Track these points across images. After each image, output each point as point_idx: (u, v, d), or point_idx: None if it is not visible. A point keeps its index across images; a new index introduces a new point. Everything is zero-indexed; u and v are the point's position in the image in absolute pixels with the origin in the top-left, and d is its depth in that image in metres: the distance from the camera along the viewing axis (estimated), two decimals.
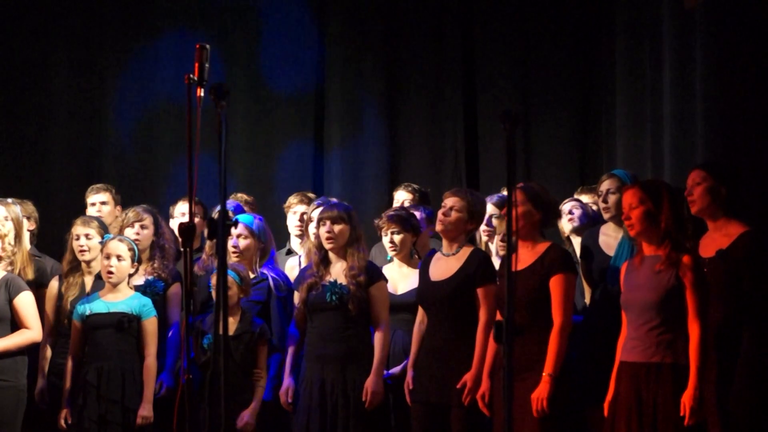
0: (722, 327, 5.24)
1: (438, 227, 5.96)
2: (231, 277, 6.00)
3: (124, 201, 7.34)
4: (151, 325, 6.18)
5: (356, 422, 5.90)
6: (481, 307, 5.75)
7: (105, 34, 9.05)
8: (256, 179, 8.82)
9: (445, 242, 5.95)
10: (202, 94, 4.40)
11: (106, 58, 9.05)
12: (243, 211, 6.97)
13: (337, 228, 6.03)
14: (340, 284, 5.97)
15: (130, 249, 6.23)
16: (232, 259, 6.34)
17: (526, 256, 5.42)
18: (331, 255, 6.08)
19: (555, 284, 5.42)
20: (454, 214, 5.87)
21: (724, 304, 5.25)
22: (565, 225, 6.73)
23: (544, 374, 5.31)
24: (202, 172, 4.53)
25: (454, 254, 5.88)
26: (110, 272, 6.16)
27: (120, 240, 6.25)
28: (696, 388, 4.96)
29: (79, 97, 9.05)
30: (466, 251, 5.89)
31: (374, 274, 6.07)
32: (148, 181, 8.78)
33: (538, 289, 5.42)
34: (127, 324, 6.12)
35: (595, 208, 6.79)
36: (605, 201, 6.37)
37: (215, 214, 5.91)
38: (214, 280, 6.09)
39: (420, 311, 6.02)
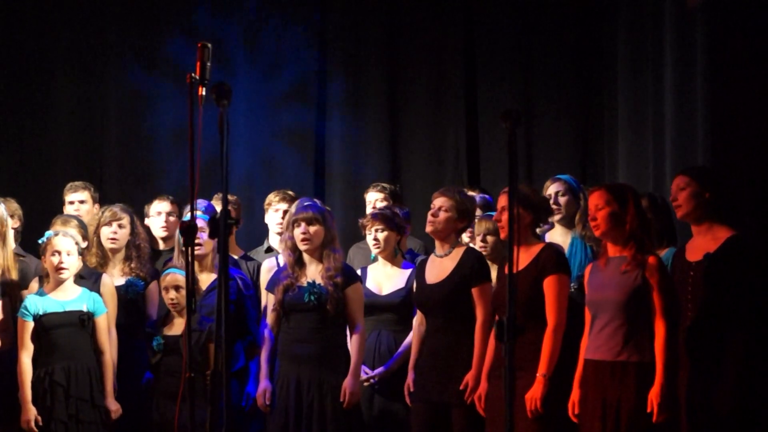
0: (706, 329, 5.32)
1: (428, 228, 5.98)
2: (181, 276, 6.08)
3: (123, 200, 7.26)
4: (103, 321, 6.21)
5: (333, 422, 5.92)
6: (478, 307, 5.79)
7: (106, 33, 9.06)
8: (255, 179, 8.86)
9: (437, 243, 5.98)
10: (204, 93, 4.42)
11: (107, 57, 9.05)
12: (214, 211, 6.88)
13: (312, 229, 6.01)
14: (319, 285, 5.97)
15: (76, 243, 6.21)
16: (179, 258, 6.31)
17: (521, 257, 5.43)
18: (305, 256, 6.07)
19: (549, 285, 5.47)
20: (442, 214, 5.91)
21: (710, 306, 5.32)
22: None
23: (538, 374, 5.36)
24: (205, 170, 4.57)
25: (447, 254, 5.91)
26: (62, 268, 6.14)
27: (65, 235, 6.21)
28: (663, 385, 5.03)
29: (79, 96, 9.05)
30: (459, 251, 5.93)
31: (350, 276, 6.08)
32: (148, 179, 8.80)
33: (532, 290, 5.47)
34: (87, 322, 6.14)
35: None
36: (557, 203, 6.48)
37: (193, 214, 5.86)
38: (163, 282, 6.22)
39: (419, 314, 6.06)
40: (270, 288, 6.14)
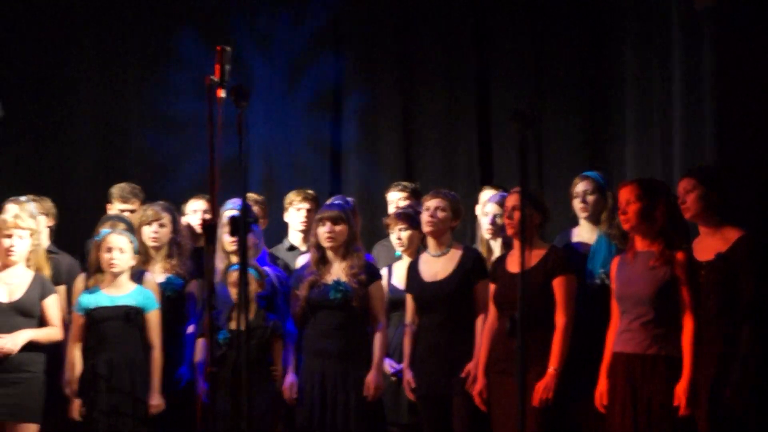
0: (721, 326, 5.33)
1: (427, 229, 6.09)
2: (251, 273, 6.08)
3: (145, 198, 7.39)
4: (154, 317, 6.31)
5: (356, 415, 6.02)
6: (479, 302, 5.95)
7: (127, 35, 9.09)
8: (274, 179, 8.86)
9: (432, 243, 6.11)
10: (223, 95, 4.49)
11: (129, 58, 9.08)
12: (249, 209, 7.00)
13: (337, 228, 6.12)
14: (344, 282, 6.07)
15: (131, 242, 6.33)
16: (228, 248, 6.38)
17: (528, 257, 5.50)
18: (329, 254, 6.17)
19: (558, 285, 5.62)
20: (440, 214, 6.06)
21: (723, 304, 5.34)
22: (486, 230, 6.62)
23: (549, 368, 5.50)
24: (224, 171, 4.61)
25: (444, 254, 6.07)
26: (113, 264, 6.27)
27: (120, 233, 6.34)
28: (690, 380, 5.11)
29: (101, 96, 9.07)
30: (458, 250, 6.09)
31: (373, 273, 6.19)
32: (169, 178, 8.70)
33: (540, 290, 5.59)
34: (133, 316, 6.23)
35: None
36: (584, 201, 6.47)
37: (227, 213, 5.98)
38: (231, 277, 6.21)
39: (410, 312, 6.15)
40: (294, 285, 6.24)
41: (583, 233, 6.51)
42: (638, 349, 5.26)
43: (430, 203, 6.10)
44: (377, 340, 6.11)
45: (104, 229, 6.45)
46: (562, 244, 6.47)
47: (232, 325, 6.22)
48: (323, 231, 6.13)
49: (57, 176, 8.82)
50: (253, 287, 6.14)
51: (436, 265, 6.07)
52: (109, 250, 6.28)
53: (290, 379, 6.13)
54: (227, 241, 6.36)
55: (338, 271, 6.14)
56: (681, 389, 5.12)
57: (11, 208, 6.64)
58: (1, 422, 6.13)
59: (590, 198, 6.46)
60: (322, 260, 6.17)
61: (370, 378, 6.02)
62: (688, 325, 5.18)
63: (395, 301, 6.35)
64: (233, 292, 6.21)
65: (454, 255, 6.06)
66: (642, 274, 5.29)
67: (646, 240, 5.33)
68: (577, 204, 6.53)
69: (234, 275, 6.20)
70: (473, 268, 6.00)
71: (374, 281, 6.16)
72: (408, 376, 6.09)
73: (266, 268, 6.46)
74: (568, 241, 6.51)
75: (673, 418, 5.15)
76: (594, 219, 6.39)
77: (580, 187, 6.53)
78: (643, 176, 6.83)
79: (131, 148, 9.05)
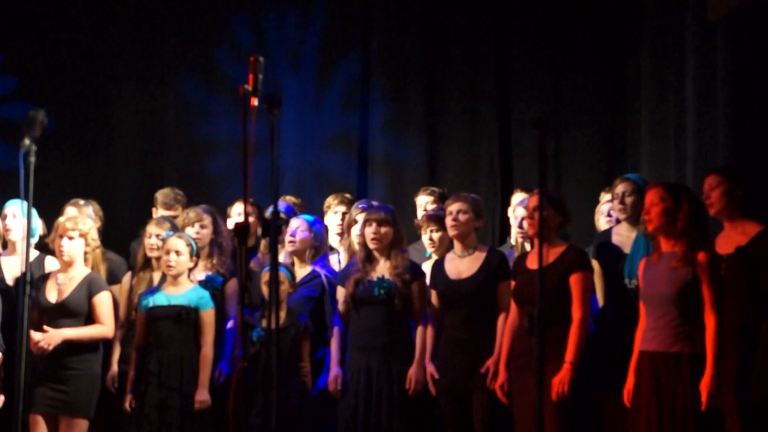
0: (742, 320, 5.34)
1: (452, 232, 6.19)
2: (283, 273, 6.24)
3: (186, 202, 7.57)
4: (208, 316, 6.38)
5: (400, 408, 6.12)
6: (502, 301, 6.02)
7: (167, 47, 9.26)
8: (305, 184, 8.99)
9: (458, 244, 6.20)
10: (257, 103, 4.50)
11: (168, 69, 9.25)
12: (294, 213, 7.13)
13: (383, 229, 6.24)
14: (388, 280, 6.18)
15: (188, 245, 6.42)
16: (288, 248, 6.57)
17: (546, 255, 5.47)
18: (375, 253, 6.28)
19: (575, 282, 5.67)
20: (463, 217, 6.15)
21: (744, 298, 5.36)
22: (516, 233, 6.82)
23: (565, 362, 5.54)
24: (257, 176, 4.66)
25: (469, 255, 6.16)
26: (170, 266, 6.37)
27: (179, 237, 6.46)
28: (713, 376, 5.14)
29: (143, 106, 9.24)
30: (482, 252, 6.17)
31: (416, 272, 6.29)
32: (207, 183, 8.96)
33: (557, 287, 5.63)
34: (185, 315, 6.32)
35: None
36: (622, 203, 6.51)
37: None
38: (265, 277, 6.31)
39: (435, 308, 6.23)
40: (341, 281, 6.37)
41: (622, 232, 6.54)
42: (662, 347, 5.31)
43: (452, 207, 6.20)
44: (419, 335, 6.20)
45: (167, 231, 6.58)
46: (600, 242, 6.56)
47: (265, 324, 6.30)
48: (369, 231, 6.25)
49: (102, 181, 8.98)
50: (285, 287, 6.24)
51: (461, 265, 6.17)
52: (167, 252, 6.39)
53: (335, 372, 6.24)
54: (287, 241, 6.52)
55: (383, 270, 6.25)
56: (704, 385, 5.16)
57: (69, 211, 6.82)
58: (53, 416, 6.27)
59: (629, 199, 6.48)
60: (368, 259, 6.28)
61: (411, 372, 6.12)
62: (710, 323, 5.21)
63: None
64: (266, 292, 6.31)
65: (479, 256, 6.16)
66: (665, 274, 5.34)
67: (670, 241, 5.39)
68: (616, 205, 6.56)
69: (266, 275, 6.24)
70: (497, 268, 6.08)
71: (417, 280, 6.26)
72: (431, 369, 6.16)
73: (320, 269, 6.64)
74: (607, 239, 6.58)
75: (697, 415, 5.19)
76: (633, 220, 6.40)
77: (619, 188, 6.55)
78: (658, 179, 7.09)
79: (167, 157, 9.22)
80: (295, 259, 6.70)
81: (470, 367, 6.02)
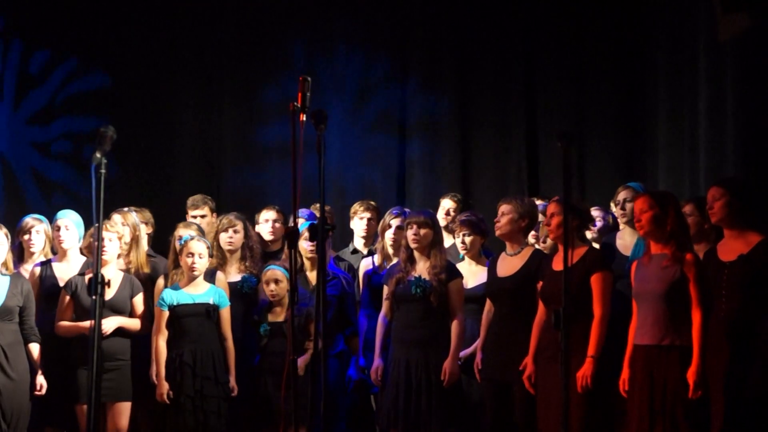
0: (741, 322, 5.55)
1: (496, 233, 6.45)
2: (282, 272, 6.63)
3: (236, 209, 7.58)
4: (226, 313, 6.72)
5: (437, 398, 6.34)
6: (539, 299, 6.14)
7: (222, 68, 9.68)
8: (347, 191, 9.24)
9: (507, 244, 6.41)
10: (304, 119, 4.75)
11: (223, 88, 9.65)
12: (316, 219, 7.30)
13: (422, 231, 6.45)
14: (424, 279, 6.39)
15: (208, 248, 6.73)
16: (306, 255, 6.80)
17: (569, 256, 5.48)
18: (415, 254, 6.50)
19: (596, 281, 5.85)
20: (504, 218, 6.35)
21: (744, 302, 5.56)
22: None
23: (588, 356, 5.73)
24: (304, 183, 4.82)
25: (516, 253, 6.35)
26: (194, 268, 6.66)
27: (199, 240, 6.72)
28: (699, 366, 5.38)
29: (199, 120, 9.66)
30: (528, 251, 6.36)
31: (453, 272, 6.49)
32: (257, 192, 9.21)
33: (580, 286, 5.79)
34: (212, 313, 6.65)
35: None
36: (623, 209, 6.81)
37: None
38: (265, 276, 6.72)
39: (488, 302, 6.44)
40: (385, 280, 6.60)
41: (625, 236, 6.80)
42: (654, 340, 5.52)
43: (500, 209, 6.38)
44: (454, 330, 6.36)
45: (186, 235, 6.81)
46: (605, 245, 6.79)
47: (270, 318, 6.67)
48: (410, 233, 6.44)
49: (158, 191, 9.38)
50: (283, 285, 6.58)
51: (510, 263, 6.32)
52: (191, 255, 6.64)
53: (377, 363, 6.48)
54: (304, 248, 6.76)
55: (422, 270, 6.44)
56: (691, 374, 5.38)
57: (114, 217, 7.06)
58: (102, 404, 6.43)
59: (628, 205, 6.75)
60: (409, 259, 6.48)
61: (446, 365, 6.29)
62: (696, 317, 5.42)
63: None
64: (266, 290, 6.70)
65: (525, 255, 6.30)
66: (656, 274, 5.55)
67: (659, 244, 5.61)
68: (618, 211, 6.82)
69: (268, 274, 6.69)
70: (537, 268, 6.17)
71: (454, 279, 6.42)
72: (477, 358, 6.37)
73: (335, 272, 6.87)
74: (612, 242, 6.82)
75: (686, 402, 5.41)
76: (633, 224, 6.30)
77: (621, 195, 6.84)
78: (673, 188, 7.40)
79: (223, 167, 9.60)
80: (308, 264, 6.90)
81: (507, 360, 6.18)
